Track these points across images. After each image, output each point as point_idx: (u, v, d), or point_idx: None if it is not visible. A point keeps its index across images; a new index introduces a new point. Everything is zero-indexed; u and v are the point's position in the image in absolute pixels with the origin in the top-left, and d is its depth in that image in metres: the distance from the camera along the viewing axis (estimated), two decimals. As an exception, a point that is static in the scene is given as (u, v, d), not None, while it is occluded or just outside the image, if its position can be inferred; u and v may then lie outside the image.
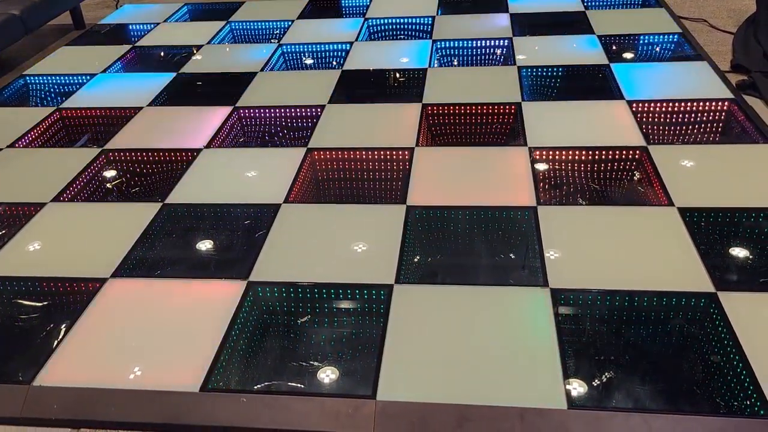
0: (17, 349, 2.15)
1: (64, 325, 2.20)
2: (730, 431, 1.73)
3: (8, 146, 3.40)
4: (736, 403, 1.79)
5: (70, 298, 2.34)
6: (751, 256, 2.31)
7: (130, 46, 4.64)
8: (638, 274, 2.25)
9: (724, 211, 2.54)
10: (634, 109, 3.32)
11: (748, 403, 1.79)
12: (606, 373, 1.91)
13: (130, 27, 5.03)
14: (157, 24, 5.04)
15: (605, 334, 2.05)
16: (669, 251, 2.34)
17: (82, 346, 2.12)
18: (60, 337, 2.15)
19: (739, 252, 2.33)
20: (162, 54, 4.50)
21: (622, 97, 3.44)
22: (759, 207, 2.54)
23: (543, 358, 1.95)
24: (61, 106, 3.80)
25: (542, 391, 1.85)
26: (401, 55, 4.17)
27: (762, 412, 1.75)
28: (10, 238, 2.67)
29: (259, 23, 4.93)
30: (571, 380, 1.88)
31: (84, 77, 4.15)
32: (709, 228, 2.46)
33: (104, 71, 4.25)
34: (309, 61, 4.25)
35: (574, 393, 1.84)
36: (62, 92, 4.00)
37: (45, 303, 2.34)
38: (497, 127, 3.33)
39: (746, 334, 1.98)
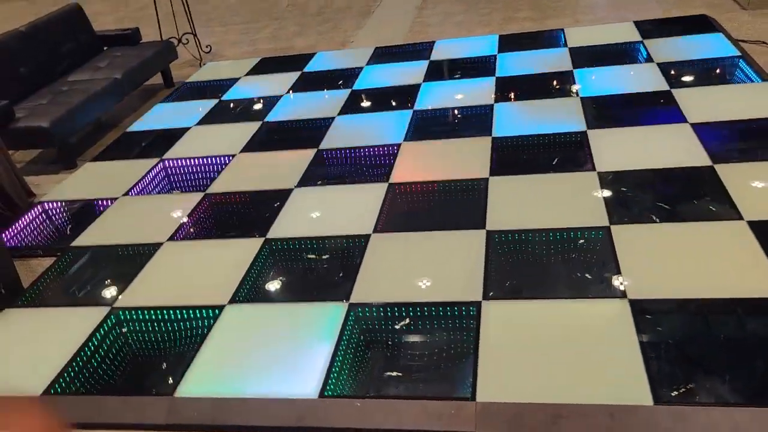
0: (157, 367, 2.47)
1: (194, 346, 2.51)
2: (811, 422, 1.87)
3: (123, 195, 3.82)
4: (815, 397, 1.93)
5: (195, 323, 2.66)
6: (822, 263, 2.43)
7: (218, 99, 5.09)
8: (713, 283, 2.40)
9: (793, 223, 2.67)
10: (698, 131, 3.47)
11: (827, 396, 1.92)
12: (688, 371, 2.07)
13: (215, 82, 5.51)
14: (239, 78, 5.50)
15: (682, 338, 2.21)
16: (741, 261, 2.49)
17: (212, 363, 2.42)
18: (192, 355, 2.46)
19: (811, 260, 2.46)
20: (247, 105, 4.92)
21: (685, 121, 3.60)
22: (828, 217, 2.66)
23: (628, 361, 2.13)
24: (163, 157, 4.23)
25: (629, 390, 2.03)
26: (465, 91, 4.44)
27: (841, 403, 1.88)
28: (136, 274, 3.03)
29: (332, 71, 5.32)
30: (655, 379, 2.05)
31: (181, 130, 4.60)
32: (780, 239, 2.60)
33: (197, 124, 4.68)
34: (381, 104, 4.57)
35: (659, 390, 2.01)
36: (163, 144, 4.44)
37: (173, 329, 2.66)
38: (566, 154, 3.53)
39: (821, 334, 2.10)
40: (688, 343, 2.20)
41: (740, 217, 2.74)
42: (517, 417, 2.02)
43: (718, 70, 4.28)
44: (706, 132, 3.46)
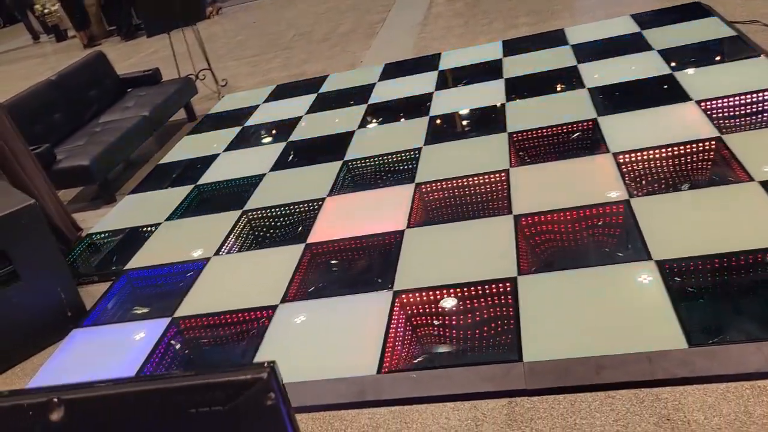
0: (221, 364, 2.67)
1: (254, 343, 2.71)
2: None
3: (165, 220, 4.05)
4: (837, 326, 2.09)
5: (251, 324, 2.86)
6: (833, 211, 2.60)
7: (241, 126, 5.35)
8: (732, 236, 2.57)
9: (801, 178, 2.84)
10: (703, 107, 3.65)
11: None
12: (714, 314, 2.24)
13: (236, 111, 5.78)
14: (258, 105, 5.77)
15: (709, 287, 2.38)
16: (756, 216, 2.66)
17: (274, 355, 2.61)
18: (254, 351, 2.66)
19: (822, 209, 2.63)
20: (270, 128, 5.18)
21: (690, 99, 3.78)
22: (834, 170, 2.83)
23: (661, 312, 2.30)
24: (198, 183, 4.47)
25: (665, 337, 2.20)
26: (476, 94, 4.66)
27: None
28: (189, 288, 3.24)
29: (346, 90, 5.57)
30: (687, 324, 2.21)
31: (210, 158, 4.85)
32: (790, 193, 2.77)
33: (225, 150, 4.93)
34: (397, 114, 4.80)
35: (692, 334, 2.18)
36: (196, 172, 4.68)
37: (232, 331, 2.87)
38: (581, 141, 3.73)
39: (838, 271, 2.27)
40: (715, 290, 2.37)
41: (751, 179, 2.91)
42: (563, 371, 2.20)
43: (716, 51, 4.47)
44: (711, 108, 3.64)
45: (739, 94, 3.70)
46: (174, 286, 3.33)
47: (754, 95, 3.66)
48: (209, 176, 4.55)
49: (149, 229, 4.00)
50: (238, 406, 0.66)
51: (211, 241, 3.63)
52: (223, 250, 3.53)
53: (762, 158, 3.05)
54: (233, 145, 5.01)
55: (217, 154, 4.87)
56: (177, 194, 4.39)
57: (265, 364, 0.70)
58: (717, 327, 2.21)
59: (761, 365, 2.04)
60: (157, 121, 5.42)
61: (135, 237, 3.95)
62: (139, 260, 3.66)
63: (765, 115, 3.48)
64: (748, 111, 3.57)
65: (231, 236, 3.65)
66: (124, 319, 3.17)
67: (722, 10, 5.23)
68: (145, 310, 3.20)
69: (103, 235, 4.10)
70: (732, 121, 3.46)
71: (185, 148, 5.27)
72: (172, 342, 2.90)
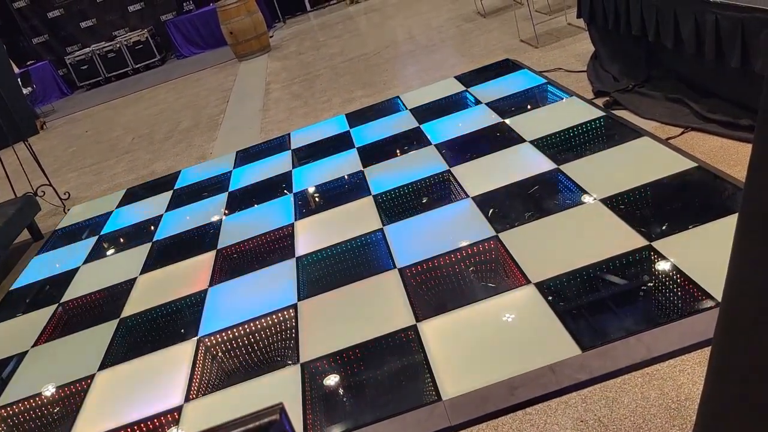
0: (135, 480, 2.49)
1: (166, 449, 2.57)
2: (691, 327, 2.35)
3: (32, 346, 3.74)
4: (688, 307, 2.43)
5: (161, 430, 2.71)
6: (665, 209, 3.04)
7: (96, 236, 5.11)
8: (590, 250, 2.91)
9: (629, 192, 3.28)
10: (536, 145, 4.11)
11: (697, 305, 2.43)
12: (596, 319, 2.51)
13: (88, 222, 5.51)
14: (112, 211, 5.55)
15: (584, 297, 2.66)
16: (605, 227, 3.03)
17: (191, 456, 2.50)
18: (168, 457, 2.52)
19: (657, 209, 3.05)
20: (130, 232, 4.99)
21: (524, 140, 4.24)
22: (650, 182, 3.30)
23: (550, 327, 2.52)
24: (61, 301, 4.19)
25: (559, 348, 2.41)
26: (333, 166, 4.87)
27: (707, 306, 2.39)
28: (79, 409, 3.01)
29: (203, 181, 5.55)
30: (575, 333, 2.45)
31: (69, 273, 4.57)
32: (628, 206, 3.18)
33: (85, 263, 4.68)
34: (260, 196, 4.86)
35: (581, 340, 2.42)
36: (56, 291, 4.38)
37: (138, 442, 2.70)
38: (439, 192, 4.02)
39: (689, 265, 2.64)
40: (589, 298, 2.65)
41: (593, 198, 3.31)
42: (481, 400, 2.33)
43: (534, 97, 5.07)
44: (543, 145, 4.11)
45: (565, 130, 4.21)
46: (59, 413, 3.07)
47: (575, 129, 4.19)
48: (73, 292, 4.28)
49: (15, 359, 3.66)
50: (256, 453, 0.69)
51: (91, 356, 3.41)
52: (107, 362, 3.32)
53: (596, 179, 3.49)
54: (93, 256, 4.77)
55: (77, 268, 4.61)
56: (39, 318, 4.07)
57: (274, 406, 0.74)
58: (600, 330, 2.47)
59: (644, 354, 2.31)
60: (2, 246, 5.02)
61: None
62: (11, 395, 3.33)
63: (592, 141, 3.99)
64: (572, 144, 4.07)
65: (113, 347, 3.45)
66: (7, 462, 2.86)
67: (529, 63, 5.94)
68: (31, 446, 2.91)
69: (-41, 378, 3.68)
70: (563, 153, 3.93)
71: (37, 268, 4.91)
72: (71, 472, 2.66)
